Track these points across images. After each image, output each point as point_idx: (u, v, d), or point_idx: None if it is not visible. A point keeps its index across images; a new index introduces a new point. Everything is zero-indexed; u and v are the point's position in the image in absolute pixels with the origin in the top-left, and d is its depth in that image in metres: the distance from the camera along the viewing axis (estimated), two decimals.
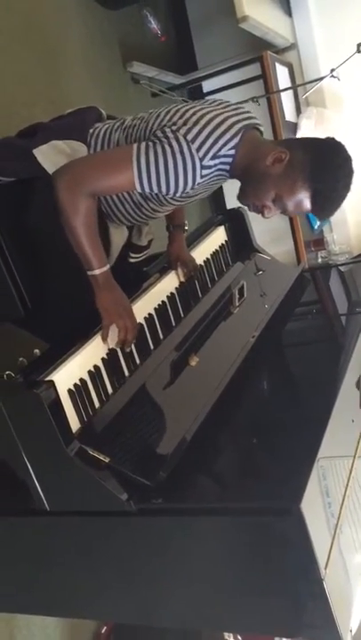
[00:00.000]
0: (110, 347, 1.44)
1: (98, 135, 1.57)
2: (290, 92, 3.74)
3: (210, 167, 1.41)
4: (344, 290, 2.57)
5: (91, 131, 1.58)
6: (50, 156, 1.52)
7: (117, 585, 1.37)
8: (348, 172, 1.44)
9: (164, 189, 1.41)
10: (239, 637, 2.50)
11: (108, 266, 1.46)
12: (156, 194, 1.47)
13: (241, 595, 1.22)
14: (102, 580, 1.38)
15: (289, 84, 3.73)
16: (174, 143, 1.37)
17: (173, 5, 4.12)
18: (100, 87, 3.23)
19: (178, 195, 1.45)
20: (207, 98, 1.65)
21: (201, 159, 1.38)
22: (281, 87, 3.57)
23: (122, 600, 1.38)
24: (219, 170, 1.45)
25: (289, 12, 3.81)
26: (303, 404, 1.63)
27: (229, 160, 1.44)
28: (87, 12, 3.20)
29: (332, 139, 1.47)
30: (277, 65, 3.62)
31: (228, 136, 1.41)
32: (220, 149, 1.40)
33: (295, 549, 1.09)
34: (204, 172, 1.41)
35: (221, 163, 1.44)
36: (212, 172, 1.44)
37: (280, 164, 1.43)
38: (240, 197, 1.53)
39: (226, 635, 2.33)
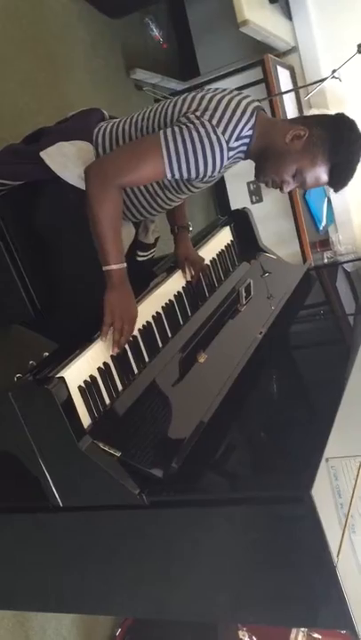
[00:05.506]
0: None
1: (105, 133, 1.59)
2: (292, 95, 3.77)
3: (234, 149, 1.48)
4: (351, 289, 2.58)
5: (96, 130, 1.60)
6: (57, 157, 1.54)
7: (132, 579, 1.37)
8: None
9: (193, 173, 1.46)
10: (254, 638, 2.49)
11: (124, 264, 1.47)
12: (177, 180, 1.52)
13: (255, 585, 1.23)
14: (116, 575, 1.39)
15: (291, 87, 3.75)
16: (201, 128, 1.42)
17: (174, 12, 4.16)
18: (103, 94, 3.26)
19: (205, 178, 1.50)
20: (209, 87, 1.69)
21: (227, 141, 1.44)
22: (283, 90, 3.59)
23: (136, 594, 1.39)
24: (239, 151, 1.52)
25: (289, 16, 3.84)
26: (311, 399, 1.64)
27: (248, 141, 1.50)
28: (90, 20, 3.24)
29: (343, 114, 1.55)
30: (279, 68, 3.65)
31: (246, 117, 1.47)
32: (241, 130, 1.47)
33: (308, 536, 1.09)
34: (230, 153, 1.47)
35: (242, 144, 1.50)
36: (235, 154, 1.50)
37: (300, 141, 1.49)
38: (258, 175, 1.58)
39: (241, 634, 2.33)
